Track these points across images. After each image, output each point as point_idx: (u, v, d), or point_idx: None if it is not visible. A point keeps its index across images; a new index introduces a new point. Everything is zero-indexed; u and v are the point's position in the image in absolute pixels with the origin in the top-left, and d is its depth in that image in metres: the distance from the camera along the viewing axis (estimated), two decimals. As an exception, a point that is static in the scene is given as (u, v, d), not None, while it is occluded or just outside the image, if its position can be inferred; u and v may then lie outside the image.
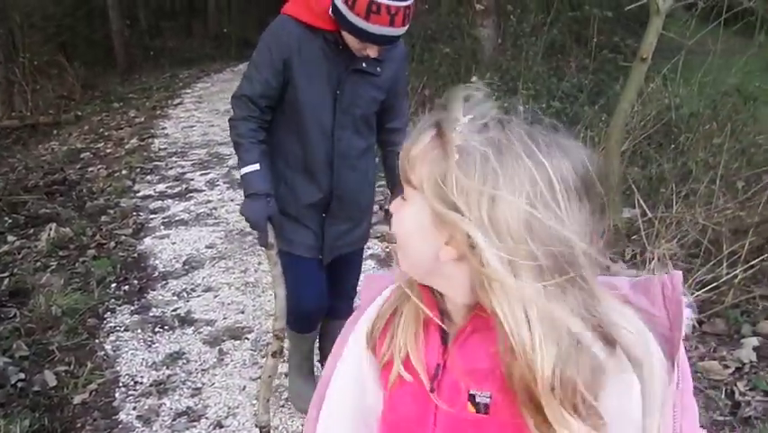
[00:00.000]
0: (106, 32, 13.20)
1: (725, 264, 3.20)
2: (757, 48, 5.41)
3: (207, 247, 4.29)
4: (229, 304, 3.51)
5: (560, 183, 0.66)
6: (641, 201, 3.71)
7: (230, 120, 2.11)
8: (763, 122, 4.87)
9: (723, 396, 2.55)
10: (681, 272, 0.74)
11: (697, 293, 3.11)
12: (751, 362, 2.74)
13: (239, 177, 2.16)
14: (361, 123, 2.15)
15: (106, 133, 7.89)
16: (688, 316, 0.71)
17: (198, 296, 3.64)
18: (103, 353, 3.10)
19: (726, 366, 2.70)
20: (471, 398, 0.72)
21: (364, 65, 2.04)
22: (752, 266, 3.19)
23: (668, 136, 4.91)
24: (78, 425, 2.59)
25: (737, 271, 3.15)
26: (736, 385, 2.58)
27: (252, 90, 2.05)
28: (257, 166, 2.02)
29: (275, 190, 2.09)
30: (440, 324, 0.76)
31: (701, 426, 0.66)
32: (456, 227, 0.67)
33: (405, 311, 0.79)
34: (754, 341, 2.88)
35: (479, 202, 0.65)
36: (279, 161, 2.15)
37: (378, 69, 2.08)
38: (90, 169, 6.36)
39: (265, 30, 2.09)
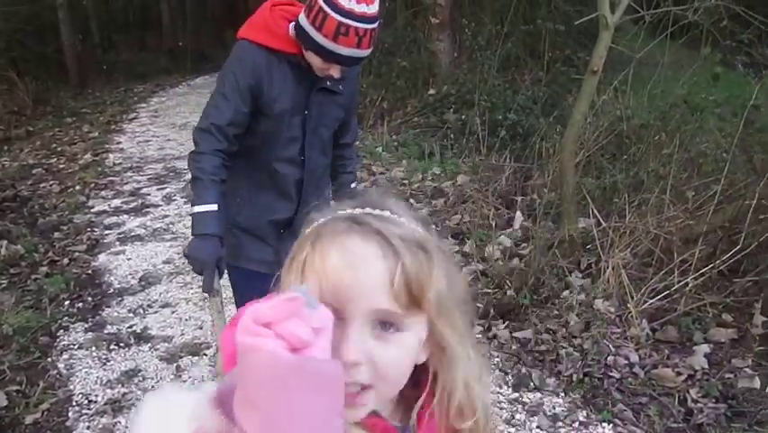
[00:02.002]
0: (58, 47, 12.87)
1: (676, 273, 3.30)
2: (703, 60, 5.61)
3: (164, 263, 4.22)
4: (187, 320, 3.46)
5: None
6: (595, 211, 3.80)
7: (194, 153, 2.02)
8: (710, 132, 5.05)
9: (676, 403, 2.61)
10: None
11: (650, 301, 3.20)
12: (702, 369, 2.82)
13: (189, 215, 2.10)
14: (327, 141, 2.18)
15: (59, 149, 7.70)
16: None
17: (155, 312, 3.57)
18: (56, 371, 3.03)
19: (679, 373, 2.77)
20: None
21: (328, 84, 2.05)
22: (702, 274, 3.29)
23: (620, 147, 5.04)
24: (30, 446, 2.54)
25: (688, 280, 3.24)
26: (688, 392, 2.65)
27: (221, 119, 1.98)
28: (214, 207, 1.96)
29: (238, 213, 2.08)
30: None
31: None
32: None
33: None
34: (706, 348, 2.96)
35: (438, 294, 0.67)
36: (245, 183, 2.12)
37: (340, 87, 2.10)
38: (42, 185, 6.19)
39: (228, 58, 2.04)
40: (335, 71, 1.94)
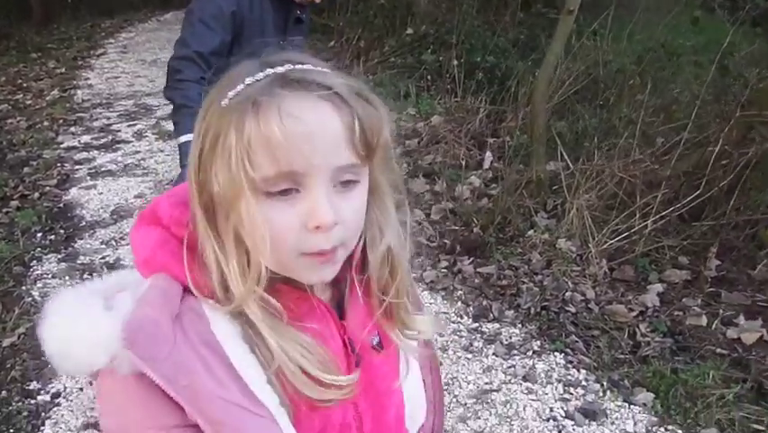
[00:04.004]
0: (19, -20, 12.33)
1: (638, 215, 3.39)
2: (683, 5, 5.60)
3: (136, 197, 4.23)
4: (158, 253, 3.51)
5: None
6: (564, 154, 3.86)
7: (176, 80, 1.98)
8: (686, 79, 5.07)
9: (626, 337, 2.75)
10: None
11: (610, 242, 3.31)
12: (654, 306, 2.95)
13: (176, 144, 2.06)
14: None
15: (25, 85, 7.51)
16: None
17: (127, 244, 3.60)
18: (30, 299, 3.08)
19: (631, 310, 2.90)
20: (377, 346, 0.76)
21: (299, 13, 2.05)
22: (662, 217, 3.39)
23: (596, 92, 5.07)
24: (8, 365, 2.65)
25: (648, 222, 3.34)
26: (638, 327, 2.78)
27: (204, 46, 1.95)
28: None
29: None
30: (326, 305, 0.72)
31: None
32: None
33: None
34: (659, 287, 3.08)
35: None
36: None
37: (304, 15, 2.10)
38: (9, 120, 6.07)
39: None
40: None
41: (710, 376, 2.47)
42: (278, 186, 0.60)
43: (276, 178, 0.60)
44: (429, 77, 5.95)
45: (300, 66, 0.64)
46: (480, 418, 2.31)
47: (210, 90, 0.65)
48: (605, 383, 2.48)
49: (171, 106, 2.11)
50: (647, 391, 2.43)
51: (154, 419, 0.61)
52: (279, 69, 0.62)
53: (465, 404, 2.38)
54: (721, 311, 2.88)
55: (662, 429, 2.27)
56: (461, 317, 2.89)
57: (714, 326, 2.81)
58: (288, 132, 0.58)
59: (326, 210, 0.61)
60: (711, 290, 3.08)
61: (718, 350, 2.66)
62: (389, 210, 0.71)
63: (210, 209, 0.64)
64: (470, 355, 2.64)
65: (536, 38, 6.38)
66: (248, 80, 0.62)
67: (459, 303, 2.99)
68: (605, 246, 3.29)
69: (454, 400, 2.40)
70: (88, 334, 0.60)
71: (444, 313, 2.91)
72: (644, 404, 2.38)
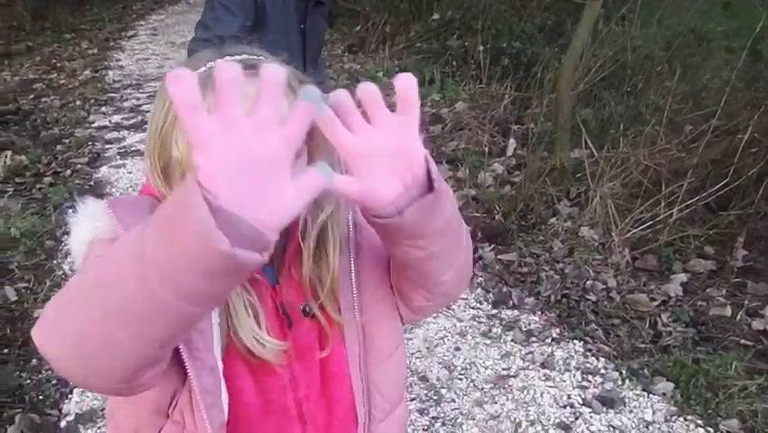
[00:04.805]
0: (55, -39, 12.48)
1: (663, 204, 3.36)
2: (716, -13, 5.45)
3: (163, 179, 4.31)
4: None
5: None
6: (589, 142, 3.82)
7: None
8: (716, 64, 4.96)
9: (647, 326, 2.73)
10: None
11: (634, 231, 3.28)
12: (677, 296, 2.93)
13: None
14: (316, 52, 2.22)
15: (59, 65, 7.65)
16: None
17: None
18: (61, 272, 3.16)
19: (653, 299, 2.88)
20: (303, 312, 0.84)
21: None
22: (688, 206, 3.35)
23: (623, 78, 4.99)
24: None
25: (673, 211, 3.31)
26: (660, 317, 2.76)
27: (224, 30, 1.99)
28: None
29: None
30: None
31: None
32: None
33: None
34: (683, 277, 3.05)
35: None
36: None
37: None
38: (44, 99, 6.20)
39: None
40: None
41: (733, 367, 2.45)
42: None
43: None
44: (454, 62, 5.91)
45: (255, 57, 0.75)
46: (496, 402, 2.33)
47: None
48: (624, 372, 2.47)
49: None
50: (667, 380, 2.42)
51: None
52: (237, 57, 0.73)
53: (482, 389, 2.40)
54: (747, 302, 2.85)
55: (682, 419, 2.27)
56: (481, 304, 2.90)
57: (739, 316, 2.78)
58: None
59: None
60: (737, 280, 3.04)
61: (742, 341, 2.64)
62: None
63: (167, 171, 0.76)
64: (488, 341, 2.65)
65: (563, 23, 6.28)
66: (210, 64, 0.73)
67: (479, 289, 3.00)
68: (628, 235, 3.26)
69: (471, 384, 2.42)
70: (88, 218, 0.79)
71: (464, 299, 2.93)
72: (664, 394, 2.37)
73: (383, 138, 0.64)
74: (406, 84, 0.62)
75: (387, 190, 0.66)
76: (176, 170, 0.75)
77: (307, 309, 0.83)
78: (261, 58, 0.75)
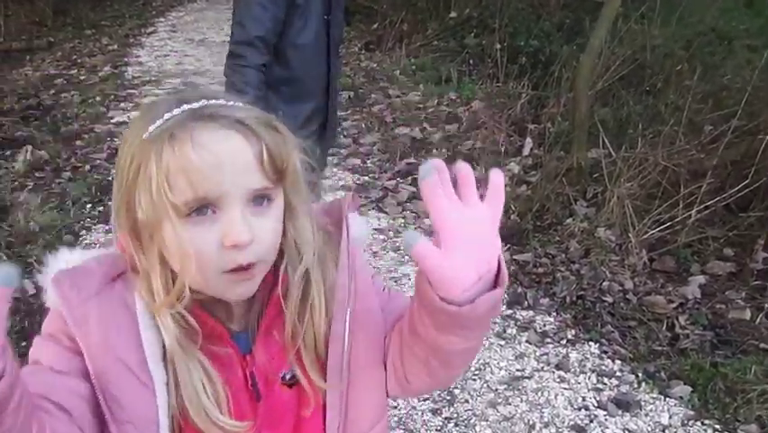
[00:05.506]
0: (76, -43, 12.60)
1: (681, 205, 3.32)
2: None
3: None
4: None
5: None
6: (606, 142, 3.78)
7: (238, 65, 2.04)
8: (738, 63, 4.90)
9: (664, 328, 2.70)
10: (355, 195, 0.83)
11: (651, 232, 3.24)
12: (695, 298, 2.89)
13: None
14: (337, 44, 2.29)
15: (79, 60, 7.72)
16: (364, 228, 0.83)
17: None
18: (79, 267, 3.20)
19: (671, 301, 2.85)
20: (283, 379, 0.77)
21: None
22: (707, 208, 3.31)
23: (642, 77, 4.94)
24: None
25: (692, 212, 3.27)
26: (677, 319, 2.73)
27: (263, 29, 2.01)
28: None
29: None
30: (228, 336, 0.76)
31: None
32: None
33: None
34: (701, 279, 3.02)
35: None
36: (275, 95, 2.16)
37: None
38: (64, 94, 6.27)
39: None
40: None
41: (752, 371, 2.42)
42: (196, 209, 0.67)
43: (194, 201, 0.66)
44: (471, 61, 5.89)
45: (214, 101, 0.71)
46: (510, 403, 2.32)
47: (131, 123, 0.74)
48: (640, 375, 2.45)
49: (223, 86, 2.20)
50: (684, 384, 2.40)
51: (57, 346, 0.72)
52: (195, 105, 0.69)
53: (496, 390, 2.39)
54: (766, 305, 2.81)
55: (699, 423, 2.24)
56: (496, 303, 2.88)
57: (758, 320, 2.74)
58: (201, 160, 0.65)
59: (241, 229, 0.67)
60: (756, 283, 3.00)
61: (762, 345, 2.60)
62: (305, 228, 0.76)
63: (136, 232, 0.71)
64: (502, 342, 2.64)
65: (582, 21, 6.24)
66: (166, 116, 0.69)
67: (493, 289, 2.98)
68: (645, 236, 3.23)
69: (485, 385, 2.41)
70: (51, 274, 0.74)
71: (479, 299, 2.91)
72: (681, 397, 2.35)
73: (474, 220, 0.62)
74: (500, 180, 0.64)
75: (464, 275, 0.63)
76: (143, 232, 0.70)
77: (287, 377, 0.77)
78: (221, 101, 0.71)
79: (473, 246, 0.63)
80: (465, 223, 0.62)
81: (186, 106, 0.69)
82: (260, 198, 0.69)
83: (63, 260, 0.77)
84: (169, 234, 0.67)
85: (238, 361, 0.76)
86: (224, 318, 0.76)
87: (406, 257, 3.17)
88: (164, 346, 0.71)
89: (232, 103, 0.71)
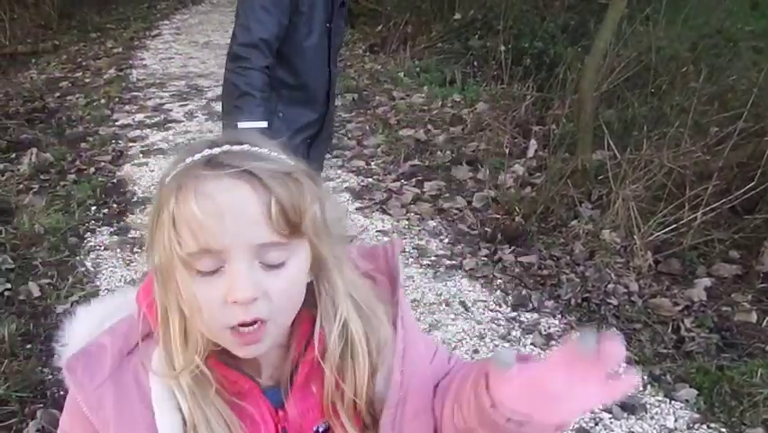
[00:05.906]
0: (81, -40, 12.66)
1: (687, 207, 3.30)
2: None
3: (185, 177, 4.35)
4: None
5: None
6: (611, 143, 3.77)
7: (241, 67, 2.03)
8: (743, 65, 4.87)
9: (669, 331, 2.69)
10: (400, 240, 0.80)
11: (657, 234, 3.23)
12: (701, 300, 2.87)
13: (236, 126, 2.07)
14: (337, 51, 2.31)
15: (84, 63, 7.76)
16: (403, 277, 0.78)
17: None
18: (84, 269, 3.22)
19: (676, 304, 2.83)
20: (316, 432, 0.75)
21: None
22: (713, 210, 3.29)
23: (647, 79, 4.92)
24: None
25: (698, 214, 3.25)
26: (683, 322, 2.72)
27: (267, 32, 2.01)
28: (264, 124, 2.01)
29: (269, 124, 2.13)
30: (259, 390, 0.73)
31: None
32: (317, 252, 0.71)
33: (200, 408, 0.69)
34: (707, 282, 3.00)
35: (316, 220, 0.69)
36: (275, 98, 2.17)
37: None
38: (69, 97, 6.30)
39: None
40: None
41: (758, 374, 2.40)
42: (202, 262, 0.64)
43: (198, 254, 0.64)
44: (475, 63, 5.89)
45: (238, 147, 0.67)
46: (515, 406, 2.30)
47: (168, 164, 0.71)
48: (646, 378, 2.44)
49: (221, 88, 2.21)
50: (690, 387, 2.38)
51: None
52: (212, 151, 0.67)
53: (501, 392, 2.37)
54: (773, 308, 2.79)
55: (705, 427, 2.23)
56: (500, 306, 2.88)
57: (765, 323, 2.73)
58: (202, 210, 0.63)
59: (243, 286, 0.63)
60: (763, 285, 2.99)
61: (768, 348, 2.59)
62: (337, 282, 0.72)
63: (159, 276, 0.70)
64: (507, 344, 2.63)
65: (587, 23, 6.22)
66: (188, 160, 0.67)
67: (498, 292, 2.98)
68: (651, 238, 3.22)
69: (490, 387, 2.39)
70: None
71: (483, 301, 2.91)
72: (687, 400, 2.33)
73: (588, 394, 0.59)
74: (635, 382, 0.60)
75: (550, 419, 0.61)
76: (161, 277, 0.69)
77: (320, 430, 0.74)
78: (244, 147, 0.68)
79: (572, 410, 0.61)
80: (582, 397, 0.59)
81: (207, 151, 0.67)
82: (271, 255, 0.65)
83: (82, 318, 0.77)
84: (181, 285, 0.66)
85: (270, 417, 0.73)
86: (252, 373, 0.73)
87: (410, 259, 3.17)
88: (184, 419, 0.69)
89: (255, 149, 0.68)
